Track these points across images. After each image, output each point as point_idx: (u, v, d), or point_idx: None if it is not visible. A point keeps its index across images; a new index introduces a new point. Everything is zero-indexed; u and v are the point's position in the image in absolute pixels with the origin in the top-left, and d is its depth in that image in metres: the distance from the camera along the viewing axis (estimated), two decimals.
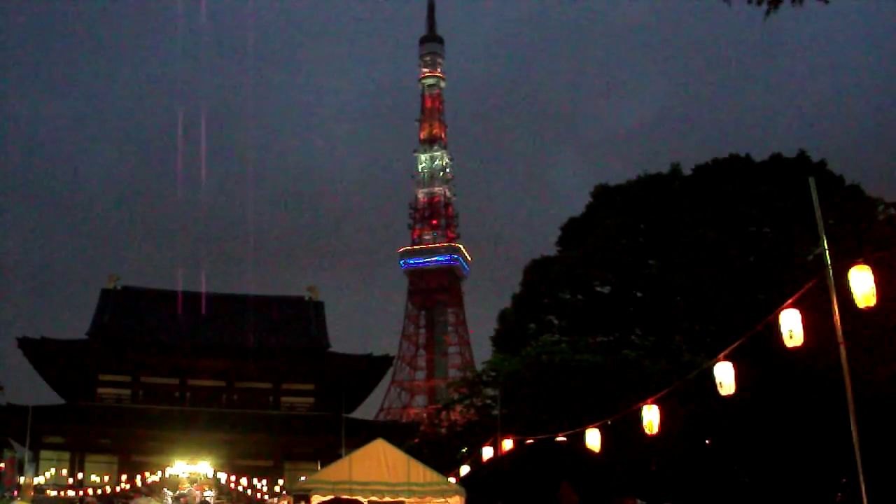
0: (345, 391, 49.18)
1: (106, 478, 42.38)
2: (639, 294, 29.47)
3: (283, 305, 56.43)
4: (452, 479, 17.55)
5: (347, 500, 11.01)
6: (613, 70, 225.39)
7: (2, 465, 40.30)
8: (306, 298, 57.15)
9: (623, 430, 12.94)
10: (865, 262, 7.19)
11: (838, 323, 7.52)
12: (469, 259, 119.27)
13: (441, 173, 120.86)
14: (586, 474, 17.17)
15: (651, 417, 10.99)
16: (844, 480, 15.05)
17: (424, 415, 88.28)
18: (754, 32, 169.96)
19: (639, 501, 7.91)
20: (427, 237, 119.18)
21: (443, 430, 39.29)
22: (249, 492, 40.96)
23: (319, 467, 30.36)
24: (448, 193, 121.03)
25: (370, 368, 52.23)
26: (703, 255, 26.26)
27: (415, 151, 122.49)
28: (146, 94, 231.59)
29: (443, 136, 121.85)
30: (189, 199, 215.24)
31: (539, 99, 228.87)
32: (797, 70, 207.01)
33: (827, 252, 7.76)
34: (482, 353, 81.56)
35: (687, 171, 31.82)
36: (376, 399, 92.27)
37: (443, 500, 15.45)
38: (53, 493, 40.47)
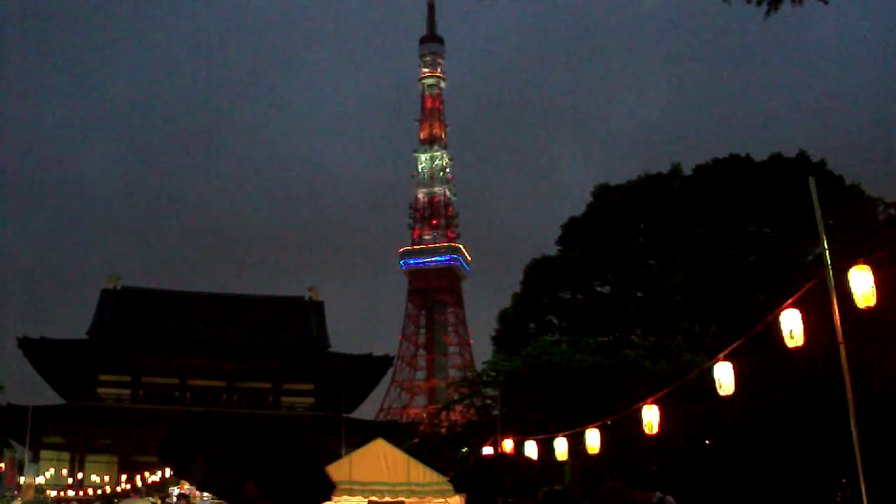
0: (345, 391, 49.15)
1: (106, 478, 42.39)
2: (639, 294, 29.48)
3: (283, 305, 56.44)
4: None
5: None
6: (614, 70, 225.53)
7: (2, 465, 40.30)
8: (306, 298, 57.17)
9: (623, 430, 12.92)
10: (865, 263, 7.17)
11: (838, 323, 7.50)
12: (469, 259, 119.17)
13: (441, 173, 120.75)
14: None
15: (651, 417, 10.97)
16: (844, 480, 15.04)
17: (424, 415, 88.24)
18: (755, 33, 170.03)
19: (670, 497, 7.59)
20: (427, 237, 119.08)
21: (443, 431, 39.19)
22: None
23: None
24: (448, 193, 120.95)
25: (370, 368, 52.30)
26: (703, 255, 26.27)
27: (415, 151, 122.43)
28: (146, 94, 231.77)
29: (443, 136, 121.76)
30: (189, 200, 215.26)
31: (539, 99, 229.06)
32: (798, 70, 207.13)
33: (827, 252, 7.74)
34: (482, 353, 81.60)
35: (687, 171, 31.87)
36: (376, 399, 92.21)
37: (442, 499, 15.45)
38: (53, 493, 40.49)
